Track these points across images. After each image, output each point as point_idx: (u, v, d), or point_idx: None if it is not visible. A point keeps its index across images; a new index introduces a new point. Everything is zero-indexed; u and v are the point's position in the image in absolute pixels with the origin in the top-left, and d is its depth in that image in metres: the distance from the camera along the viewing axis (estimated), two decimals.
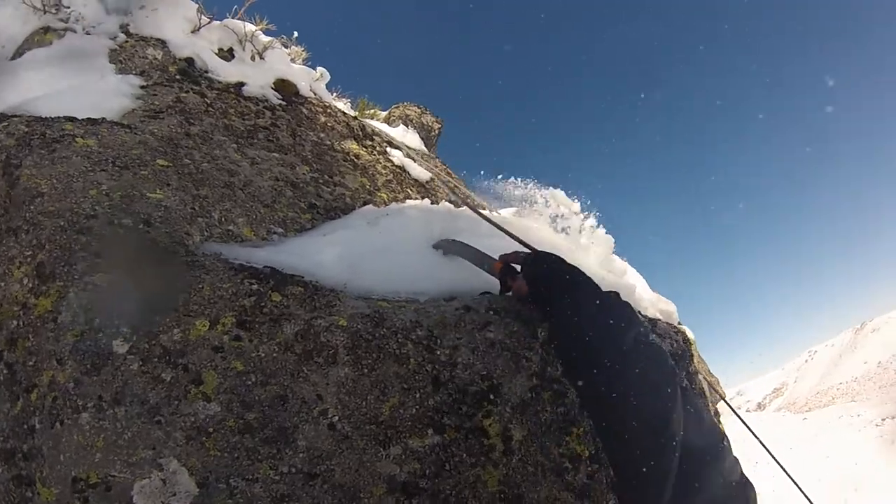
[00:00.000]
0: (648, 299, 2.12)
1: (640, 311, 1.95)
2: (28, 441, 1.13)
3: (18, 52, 2.84)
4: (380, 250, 1.85)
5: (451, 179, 4.03)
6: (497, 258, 1.61)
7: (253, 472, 1.12)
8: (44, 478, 1.09)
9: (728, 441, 1.13)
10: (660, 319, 2.04)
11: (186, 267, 1.47)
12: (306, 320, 1.36)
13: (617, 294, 1.32)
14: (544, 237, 2.18)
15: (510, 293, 1.56)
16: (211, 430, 1.13)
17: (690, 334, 7.35)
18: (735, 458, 1.10)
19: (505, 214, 3.00)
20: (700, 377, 2.05)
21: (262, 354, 1.27)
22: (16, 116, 2.02)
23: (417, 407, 1.26)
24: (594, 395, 1.13)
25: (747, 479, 1.10)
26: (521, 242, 1.64)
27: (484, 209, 3.37)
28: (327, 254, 1.76)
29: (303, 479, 1.13)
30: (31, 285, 1.30)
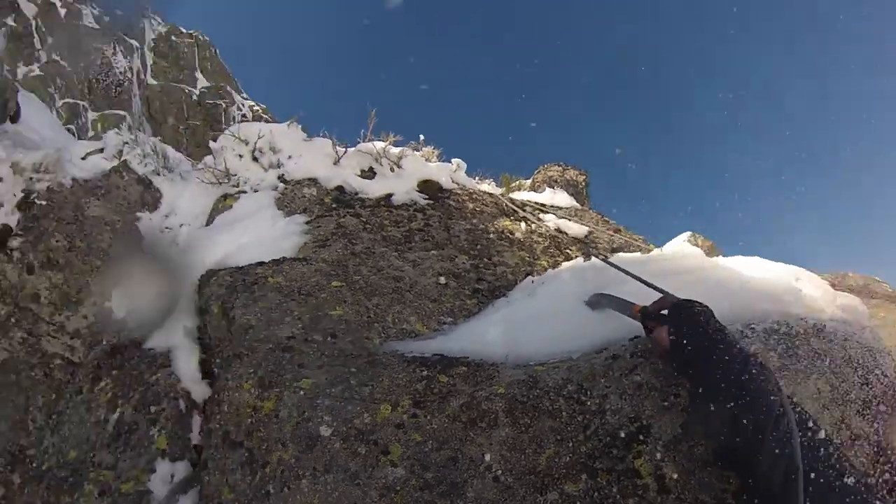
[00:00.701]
0: (823, 298, 2.13)
1: (806, 318, 2.02)
2: (265, 502, 1.72)
3: (210, 219, 3.97)
4: (535, 318, 2.29)
5: (609, 225, 4.40)
6: (636, 303, 1.91)
7: None
8: None
9: None
10: (837, 320, 2.06)
11: (369, 366, 2.07)
12: (469, 393, 1.84)
13: (759, 363, 1.45)
14: (699, 274, 2.38)
15: (650, 335, 1.81)
16: (398, 488, 1.61)
17: None
18: None
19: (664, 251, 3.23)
20: None
21: (435, 426, 1.76)
22: (222, 270, 2.92)
23: (571, 455, 1.59)
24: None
25: None
26: (654, 288, 1.93)
27: (639, 249, 3.64)
28: (490, 333, 2.27)
29: None
30: (256, 393, 1.98)
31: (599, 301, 2.21)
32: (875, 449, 1.74)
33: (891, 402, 1.85)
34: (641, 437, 1.57)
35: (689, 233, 6.66)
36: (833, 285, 2.29)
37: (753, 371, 1.39)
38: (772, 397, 1.32)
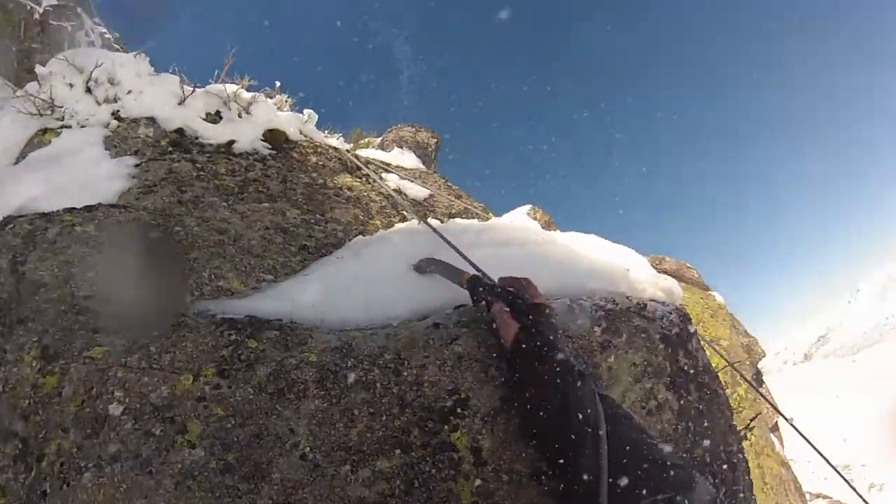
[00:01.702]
0: (647, 279, 2.27)
1: (631, 297, 2.11)
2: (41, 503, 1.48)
3: (21, 156, 3.43)
4: (359, 281, 2.15)
5: (451, 191, 4.37)
6: (465, 271, 1.86)
7: None
8: None
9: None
10: (656, 300, 2.20)
11: (174, 329, 1.82)
12: (278, 361, 1.67)
13: (582, 374, 1.48)
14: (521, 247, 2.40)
15: (483, 305, 1.78)
16: (196, 473, 1.43)
17: (720, 299, 7.33)
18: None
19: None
20: (704, 355, 2.19)
21: (240, 398, 1.58)
22: (21, 217, 2.50)
23: (384, 429, 1.52)
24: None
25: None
26: (468, 261, 1.93)
27: (477, 216, 3.65)
28: (308, 292, 2.10)
29: None
30: (38, 366, 1.68)
31: (428, 266, 2.14)
32: (677, 416, 1.87)
33: (693, 377, 2.03)
34: (459, 410, 1.54)
35: (529, 206, 6.92)
36: (653, 267, 2.43)
37: (575, 383, 1.44)
38: (588, 410, 1.37)
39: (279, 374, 1.63)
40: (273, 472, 1.45)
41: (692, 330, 2.15)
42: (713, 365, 2.38)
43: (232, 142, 3.41)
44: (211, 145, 3.39)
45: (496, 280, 1.80)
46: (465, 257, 2.03)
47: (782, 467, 7.37)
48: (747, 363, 7.57)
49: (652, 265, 2.41)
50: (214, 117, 3.74)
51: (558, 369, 1.45)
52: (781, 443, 8.47)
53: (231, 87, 3.91)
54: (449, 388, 1.59)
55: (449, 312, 1.87)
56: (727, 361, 5.30)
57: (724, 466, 2.07)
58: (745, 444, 6.54)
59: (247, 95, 3.91)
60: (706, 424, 2.03)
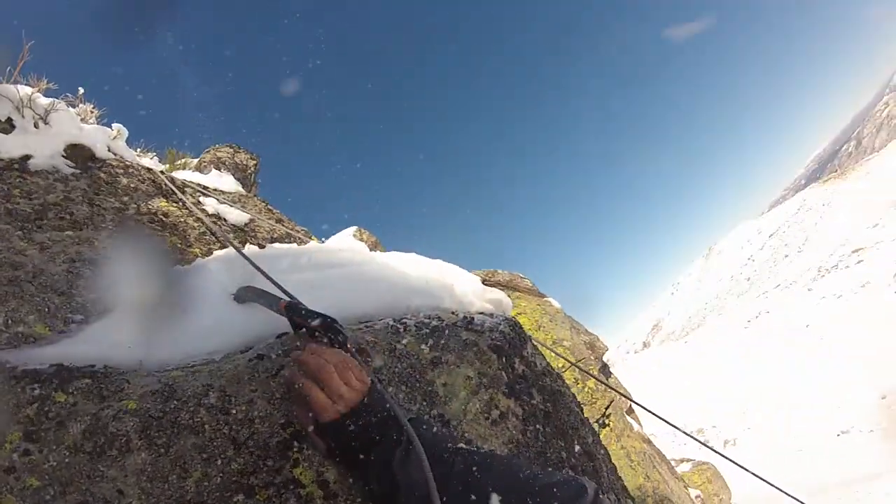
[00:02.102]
0: (473, 292, 2.41)
1: (457, 311, 2.25)
2: None
3: None
4: (175, 314, 2.03)
5: (272, 215, 4.35)
6: (283, 299, 1.85)
7: None
8: None
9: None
10: (485, 312, 2.34)
11: None
12: (93, 414, 1.52)
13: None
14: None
15: (303, 330, 1.76)
16: None
17: (556, 304, 8.22)
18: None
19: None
20: (542, 358, 2.39)
21: (55, 463, 1.40)
22: None
23: (221, 475, 1.44)
24: None
25: None
26: (281, 289, 1.93)
27: (300, 241, 3.70)
28: (124, 331, 1.94)
29: None
30: None
31: (246, 294, 2.08)
32: (523, 422, 1.99)
33: (534, 381, 2.17)
34: (297, 444, 1.52)
35: (355, 227, 7.03)
36: (484, 281, 2.59)
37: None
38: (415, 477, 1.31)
39: (95, 429, 1.48)
40: None
41: (525, 337, 2.25)
42: (559, 366, 2.55)
43: (27, 157, 3.04)
44: (1, 160, 3.02)
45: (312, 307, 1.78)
46: (274, 282, 1.99)
47: (645, 444, 8.28)
48: (592, 358, 8.34)
49: (484, 279, 2.57)
50: (6, 125, 3.31)
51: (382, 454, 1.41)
52: (639, 422, 9.53)
53: (25, 90, 3.48)
54: (281, 421, 1.55)
55: (272, 342, 1.83)
56: (569, 361, 5.86)
57: (585, 458, 2.18)
58: (605, 430, 7.19)
59: (44, 101, 3.49)
60: (556, 424, 2.12)
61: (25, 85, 3.57)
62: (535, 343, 2.40)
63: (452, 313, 2.22)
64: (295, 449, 1.52)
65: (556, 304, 8.38)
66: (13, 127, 3.33)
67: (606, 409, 7.40)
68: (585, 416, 2.52)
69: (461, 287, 2.43)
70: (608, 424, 7.35)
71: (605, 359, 9.47)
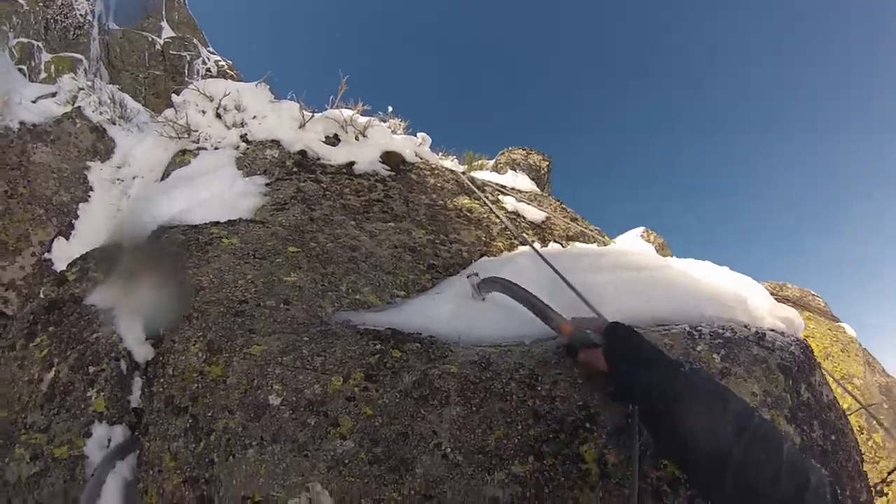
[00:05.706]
0: (766, 308, 2.21)
1: (749, 325, 2.06)
2: (209, 470, 1.63)
3: (166, 174, 3.78)
4: (490, 300, 2.25)
5: (567, 214, 4.39)
6: (566, 319, 1.84)
7: (380, 494, 1.50)
8: (221, 497, 1.58)
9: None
10: (776, 330, 2.13)
11: (322, 335, 1.98)
12: (422, 370, 1.79)
13: (698, 370, 1.45)
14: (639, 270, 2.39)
15: (576, 359, 1.76)
16: (347, 461, 1.55)
17: (851, 332, 6.53)
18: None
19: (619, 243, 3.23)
20: (829, 390, 2.08)
21: (387, 401, 1.70)
22: (173, 227, 2.76)
23: (519, 437, 1.58)
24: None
25: None
26: (590, 306, 1.95)
27: (594, 240, 3.66)
28: (443, 310, 2.22)
29: (420, 500, 1.49)
30: (204, 357, 1.86)
31: (492, 286, 2.19)
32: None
33: (817, 412, 1.93)
34: (588, 425, 1.59)
35: (642, 228, 6.77)
36: (771, 293, 2.36)
37: (696, 372, 1.42)
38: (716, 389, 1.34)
39: (423, 382, 1.74)
40: (417, 467, 1.54)
41: (815, 363, 2.08)
42: (845, 406, 2.24)
43: (352, 163, 3.62)
44: (332, 166, 3.61)
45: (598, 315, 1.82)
46: (578, 293, 2.05)
47: None
48: (885, 406, 6.84)
49: (772, 292, 2.34)
50: (333, 140, 3.98)
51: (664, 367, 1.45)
52: None
53: (347, 112, 4.16)
54: (579, 403, 1.64)
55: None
56: (860, 403, 4.82)
57: None
58: (883, 500, 5.87)
59: (362, 120, 4.14)
60: (831, 466, 1.92)
61: (346, 108, 4.27)
62: (824, 372, 2.10)
63: (745, 326, 2.09)
64: (585, 429, 1.59)
65: (850, 331, 6.97)
66: (338, 141, 3.99)
67: (889, 473, 5.92)
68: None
69: (753, 300, 2.26)
70: (887, 494, 5.85)
71: None
